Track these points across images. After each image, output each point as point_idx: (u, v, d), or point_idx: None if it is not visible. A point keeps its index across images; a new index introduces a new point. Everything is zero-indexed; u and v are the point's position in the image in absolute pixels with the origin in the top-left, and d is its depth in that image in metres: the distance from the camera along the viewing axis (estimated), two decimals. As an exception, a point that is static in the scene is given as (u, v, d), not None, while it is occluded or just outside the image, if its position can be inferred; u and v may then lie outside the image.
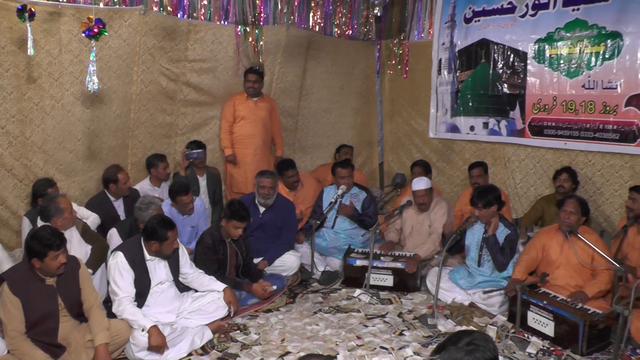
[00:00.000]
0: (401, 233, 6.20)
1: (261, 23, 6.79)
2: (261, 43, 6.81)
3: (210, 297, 4.62)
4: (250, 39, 6.71)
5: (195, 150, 6.14)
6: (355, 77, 8.17)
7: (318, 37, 7.50)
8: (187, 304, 4.54)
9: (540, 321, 4.62)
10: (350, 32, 7.90)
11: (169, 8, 6.06)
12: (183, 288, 4.66)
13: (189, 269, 4.64)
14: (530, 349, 4.41)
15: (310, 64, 7.51)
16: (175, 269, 4.52)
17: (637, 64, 5.58)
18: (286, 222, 5.86)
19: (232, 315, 4.74)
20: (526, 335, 4.65)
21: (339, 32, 7.76)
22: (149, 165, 6.00)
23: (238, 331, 4.64)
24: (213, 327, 4.54)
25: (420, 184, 5.90)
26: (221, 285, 4.71)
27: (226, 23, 6.56)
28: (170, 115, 6.45)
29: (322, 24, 7.55)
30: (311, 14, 7.38)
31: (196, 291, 4.70)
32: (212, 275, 4.81)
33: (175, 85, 6.35)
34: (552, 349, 4.46)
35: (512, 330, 4.69)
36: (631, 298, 3.85)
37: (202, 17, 6.37)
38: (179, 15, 6.17)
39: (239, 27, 6.62)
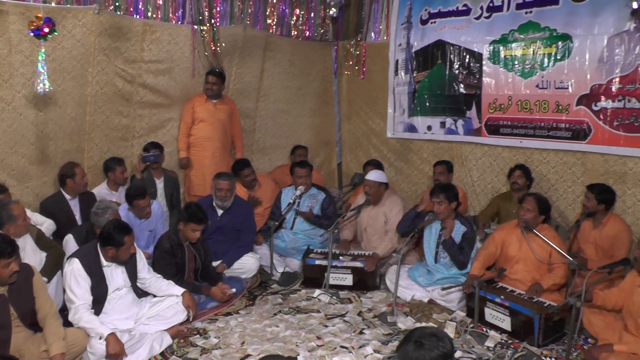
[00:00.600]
0: (357, 230, 6.23)
1: (217, 23, 6.73)
2: (219, 45, 6.74)
3: (168, 301, 4.56)
4: (208, 39, 6.63)
5: (151, 153, 6.06)
6: (312, 78, 8.17)
7: (275, 38, 7.48)
8: (146, 309, 4.48)
9: (497, 317, 4.72)
10: (307, 33, 7.90)
11: (126, 7, 5.99)
12: (141, 293, 4.60)
13: (146, 274, 4.59)
14: (489, 343, 4.51)
15: (267, 64, 7.48)
16: (132, 275, 4.46)
17: (586, 65, 5.73)
18: (244, 224, 5.85)
19: (191, 319, 4.69)
20: (485, 329, 4.75)
21: (295, 32, 7.75)
22: (106, 169, 5.88)
23: (197, 335, 4.60)
24: (172, 332, 4.48)
25: (372, 175, 5.94)
26: (180, 290, 4.67)
27: (183, 23, 6.48)
28: (126, 118, 6.34)
29: (278, 25, 7.53)
30: (267, 14, 7.34)
31: (154, 296, 4.64)
32: (171, 279, 4.76)
33: (131, 86, 6.25)
34: (510, 341, 4.56)
35: (471, 325, 4.78)
36: (582, 290, 3.94)
37: (158, 17, 6.28)
38: (134, 15, 6.08)
39: (196, 27, 6.54)
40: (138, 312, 4.45)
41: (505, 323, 4.66)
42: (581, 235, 5.30)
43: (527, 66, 6.21)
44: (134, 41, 6.09)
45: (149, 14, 6.20)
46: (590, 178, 5.71)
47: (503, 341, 4.56)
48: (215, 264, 5.46)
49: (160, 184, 6.27)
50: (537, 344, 4.43)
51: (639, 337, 3.99)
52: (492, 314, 4.76)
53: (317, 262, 5.71)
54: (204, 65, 6.71)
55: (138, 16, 6.11)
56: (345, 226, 6.31)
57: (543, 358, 4.22)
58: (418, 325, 4.78)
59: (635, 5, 4.97)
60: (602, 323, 4.41)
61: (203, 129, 6.64)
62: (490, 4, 6.46)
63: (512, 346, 4.48)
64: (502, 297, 4.69)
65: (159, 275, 4.69)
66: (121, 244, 4.14)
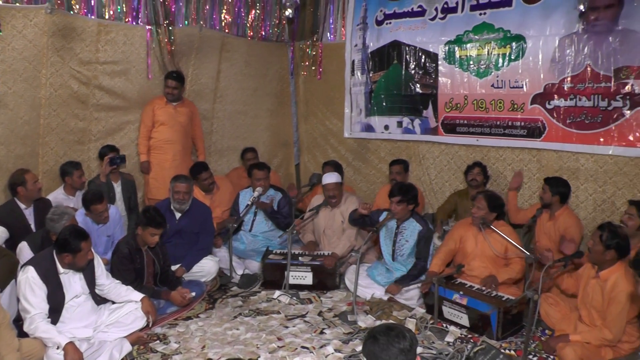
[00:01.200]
0: (315, 233, 6.24)
1: (172, 24, 6.61)
2: (175, 46, 6.63)
3: (127, 308, 4.47)
4: (164, 40, 6.52)
5: (118, 155, 5.97)
6: (269, 79, 8.13)
7: (231, 39, 7.41)
8: (105, 316, 4.39)
9: (454, 314, 4.80)
10: (263, 33, 7.85)
11: (80, 6, 5.83)
12: (100, 300, 4.50)
13: (105, 280, 4.49)
14: (449, 338, 4.57)
15: (223, 65, 7.41)
16: (91, 281, 4.35)
17: (539, 65, 5.87)
18: (203, 226, 5.79)
19: (151, 325, 4.61)
20: (444, 325, 4.81)
21: (251, 33, 7.70)
22: (63, 174, 5.72)
23: (158, 341, 4.54)
24: (132, 339, 4.39)
25: (330, 177, 5.98)
26: (139, 295, 4.58)
27: (138, 23, 6.35)
28: (82, 121, 6.17)
29: (234, 25, 7.46)
30: (223, 15, 7.27)
31: (113, 303, 4.55)
32: (130, 285, 4.68)
33: (87, 88, 6.09)
34: (469, 336, 4.64)
35: (431, 322, 4.82)
36: (539, 283, 4.05)
37: (113, 17, 6.13)
38: (87, 14, 5.92)
39: (151, 27, 6.42)
40: (97, 320, 4.35)
41: (464, 319, 4.74)
42: (538, 226, 5.44)
43: (482, 66, 6.32)
44: (89, 42, 5.95)
45: (104, 10, 6.03)
46: (546, 174, 5.83)
47: (463, 336, 4.64)
48: (174, 268, 5.38)
49: (118, 187, 6.13)
50: (496, 337, 4.53)
51: (592, 326, 4.15)
52: (450, 312, 4.83)
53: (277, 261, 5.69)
54: (160, 67, 6.60)
55: (92, 16, 5.96)
56: (306, 229, 6.32)
57: (502, 351, 4.27)
58: (378, 323, 4.81)
59: (582, 7, 5.13)
60: (558, 315, 4.61)
61: (164, 131, 6.54)
62: (445, 5, 6.55)
63: (471, 340, 4.55)
64: (461, 292, 4.78)
65: (118, 281, 4.60)
66: (78, 250, 4.05)
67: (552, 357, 4.28)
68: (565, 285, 4.52)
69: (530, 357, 4.28)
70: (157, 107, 6.49)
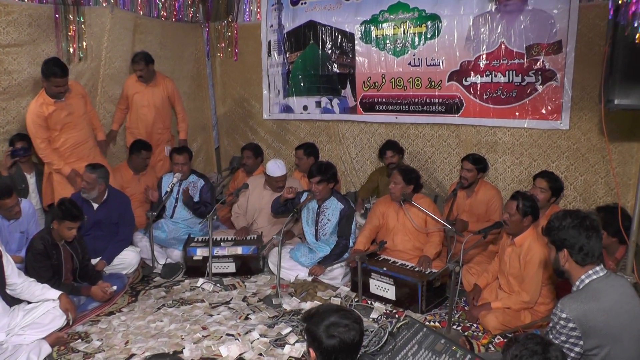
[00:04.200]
0: (248, 214, 6.17)
1: (81, 3, 6.22)
2: (84, 29, 6.25)
3: (44, 307, 4.24)
4: (72, 22, 6.11)
5: (20, 147, 5.54)
6: (185, 61, 7.93)
7: (144, 20, 7.11)
8: (19, 318, 4.14)
9: (382, 287, 4.83)
10: (177, 13, 7.60)
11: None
12: (12, 301, 4.25)
13: (17, 279, 4.23)
14: (374, 315, 4.60)
15: (138, 47, 7.06)
16: (-1, 282, 4.09)
17: (454, 43, 5.99)
18: (122, 216, 5.59)
19: (71, 323, 4.41)
20: (369, 302, 4.84)
21: (165, 14, 7.43)
22: (-33, 168, 5.33)
23: (79, 340, 4.36)
24: (51, 340, 4.19)
25: (277, 170, 5.87)
26: (56, 293, 4.36)
27: (44, 3, 5.90)
28: (-13, 111, 5.71)
29: (147, 5, 7.15)
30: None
31: (29, 303, 4.31)
32: (47, 282, 4.44)
33: (-11, 75, 5.61)
34: (394, 311, 4.70)
35: (356, 299, 4.85)
36: (460, 255, 4.14)
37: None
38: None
39: (59, 7, 5.97)
40: (10, 323, 4.09)
41: (390, 292, 4.78)
42: (457, 205, 5.52)
43: (398, 45, 6.38)
44: (-15, 23, 5.48)
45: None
46: (465, 149, 6.01)
47: (388, 311, 4.70)
48: (94, 261, 5.20)
49: (31, 178, 5.77)
50: (420, 311, 4.61)
51: (510, 293, 4.31)
52: (377, 285, 4.86)
53: (199, 251, 5.58)
54: (72, 51, 6.14)
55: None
56: (240, 213, 6.24)
57: (426, 324, 4.33)
58: (303, 304, 4.83)
59: None
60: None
61: (67, 138, 5.74)
62: (360, -14, 6.56)
63: (397, 315, 4.62)
64: (384, 268, 4.79)
65: (32, 280, 4.36)
66: (-20, 249, 3.81)
67: (475, 325, 4.41)
68: (482, 285, 4.62)
69: (454, 327, 4.38)
70: (47, 111, 5.53)
